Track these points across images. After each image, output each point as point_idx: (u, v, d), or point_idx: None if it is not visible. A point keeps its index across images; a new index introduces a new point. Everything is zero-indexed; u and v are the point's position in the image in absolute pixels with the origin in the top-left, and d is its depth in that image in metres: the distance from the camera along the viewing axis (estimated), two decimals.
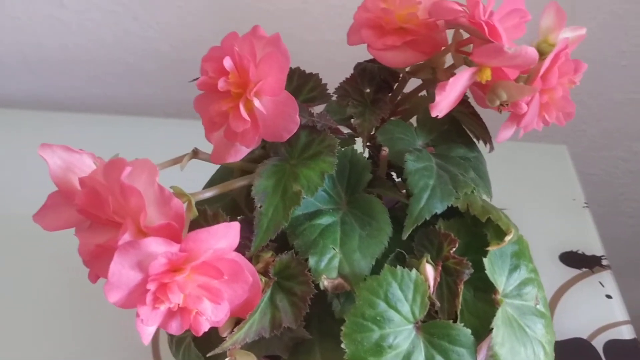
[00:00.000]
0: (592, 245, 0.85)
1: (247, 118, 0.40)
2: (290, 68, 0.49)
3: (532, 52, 0.40)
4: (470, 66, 0.42)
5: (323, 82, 0.49)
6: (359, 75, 0.50)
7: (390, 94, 0.50)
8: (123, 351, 0.69)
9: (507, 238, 0.42)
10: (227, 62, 0.40)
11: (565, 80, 0.45)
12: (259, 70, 0.40)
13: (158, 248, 0.35)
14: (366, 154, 0.48)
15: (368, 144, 0.48)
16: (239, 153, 0.42)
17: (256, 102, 0.40)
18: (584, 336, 0.73)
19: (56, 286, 0.76)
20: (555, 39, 0.46)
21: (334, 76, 0.51)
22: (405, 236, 0.41)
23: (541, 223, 0.88)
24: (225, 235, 0.36)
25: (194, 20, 1.08)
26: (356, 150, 0.46)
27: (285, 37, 1.14)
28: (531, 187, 0.94)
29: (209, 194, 0.42)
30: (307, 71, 0.49)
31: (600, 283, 0.79)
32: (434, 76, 0.46)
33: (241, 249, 0.40)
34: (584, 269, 0.81)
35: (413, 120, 0.51)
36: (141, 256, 0.35)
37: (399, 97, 0.51)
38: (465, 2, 0.44)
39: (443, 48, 0.46)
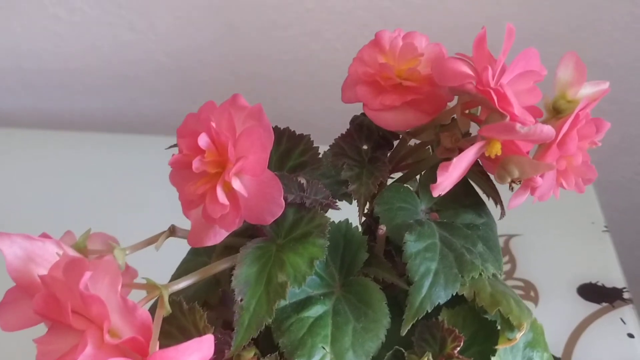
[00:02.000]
0: (613, 275, 0.80)
1: (226, 202, 0.36)
2: (279, 129, 0.45)
3: (548, 130, 0.35)
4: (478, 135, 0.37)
5: (315, 144, 0.44)
6: (355, 131, 0.46)
7: (390, 151, 0.46)
8: None
9: (519, 335, 0.38)
10: (203, 140, 0.36)
11: (586, 144, 0.40)
12: (239, 147, 0.36)
13: None
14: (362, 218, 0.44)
15: (366, 211, 0.44)
16: (219, 236, 0.38)
17: (235, 184, 0.36)
18: None
19: None
20: (574, 95, 0.41)
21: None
22: (404, 332, 0.37)
23: (557, 251, 0.83)
24: (197, 350, 0.31)
25: (193, 29, 1.05)
26: (351, 224, 0.42)
27: (288, 46, 1.10)
28: (545, 209, 0.88)
29: (184, 283, 0.37)
30: (300, 128, 0.45)
31: (622, 320, 0.74)
32: (438, 139, 0.41)
33: (220, 345, 0.36)
34: (604, 304, 0.76)
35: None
36: None
37: (401, 154, 0.46)
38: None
39: (448, 108, 0.41)
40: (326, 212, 0.42)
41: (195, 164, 0.36)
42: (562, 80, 0.41)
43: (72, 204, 0.88)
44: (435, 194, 0.37)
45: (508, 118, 0.35)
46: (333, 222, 0.41)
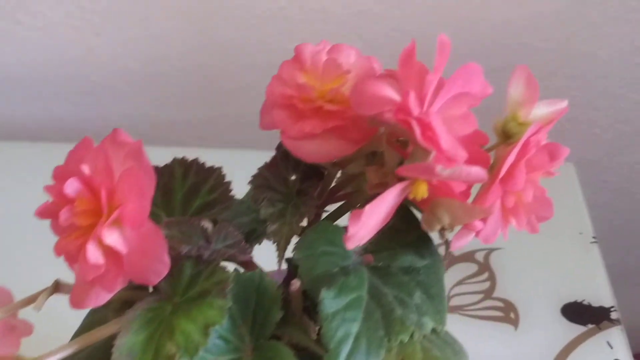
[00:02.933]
0: (600, 293, 0.74)
1: (99, 261, 0.30)
2: (187, 160, 0.39)
3: (477, 173, 0.29)
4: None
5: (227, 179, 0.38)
6: (281, 159, 0.39)
7: (320, 183, 0.40)
8: None
9: None
10: (71, 187, 0.30)
11: (538, 175, 0.34)
12: (118, 192, 0.30)
13: None
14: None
15: (288, 256, 0.37)
16: (101, 297, 0.32)
17: (110, 239, 0.30)
18: None
19: None
20: (526, 116, 0.35)
21: None
22: None
23: (541, 265, 0.77)
24: None
25: (162, 32, 0.99)
26: (265, 274, 0.36)
27: (263, 46, 1.04)
28: None
29: (62, 354, 0.32)
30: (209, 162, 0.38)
31: (609, 344, 0.68)
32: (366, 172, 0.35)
33: None
34: (590, 326, 0.70)
35: None
36: None
37: (335, 183, 0.40)
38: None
39: (379, 134, 0.35)
40: (247, 254, 0.36)
41: (63, 216, 0.30)
42: (513, 99, 0.35)
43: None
44: (350, 247, 0.31)
45: (433, 154, 0.29)
46: (244, 272, 0.35)
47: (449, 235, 0.32)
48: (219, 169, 0.38)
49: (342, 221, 0.42)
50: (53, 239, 0.32)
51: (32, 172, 0.93)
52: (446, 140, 0.29)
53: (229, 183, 0.38)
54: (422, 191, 0.30)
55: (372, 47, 1.01)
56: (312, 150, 0.35)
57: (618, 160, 1.13)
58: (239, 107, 1.09)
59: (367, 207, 0.30)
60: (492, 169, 0.34)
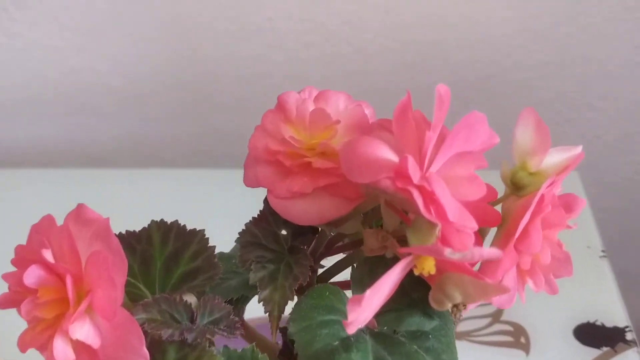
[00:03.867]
0: (613, 311, 0.71)
1: (69, 357, 0.27)
2: (166, 223, 0.35)
3: (489, 253, 0.25)
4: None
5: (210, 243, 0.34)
6: (270, 212, 0.36)
7: (314, 237, 0.36)
8: None
9: None
10: (33, 276, 0.26)
11: (556, 232, 0.31)
12: (85, 279, 0.27)
13: None
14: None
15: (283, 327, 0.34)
16: None
17: (79, 333, 0.26)
18: None
19: None
20: (537, 165, 0.31)
21: None
22: None
23: None
24: None
25: (146, 48, 0.96)
26: (257, 352, 0.32)
27: (252, 59, 1.01)
28: None
29: None
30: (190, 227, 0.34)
31: None
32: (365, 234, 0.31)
33: None
34: (605, 348, 0.67)
35: None
36: None
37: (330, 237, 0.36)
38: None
39: (371, 195, 0.31)
40: (236, 331, 0.32)
41: (25, 308, 0.27)
42: (521, 145, 0.32)
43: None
44: (350, 331, 0.27)
45: (439, 227, 0.26)
46: (234, 351, 0.31)
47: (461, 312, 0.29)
48: (201, 232, 0.35)
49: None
50: None
51: (16, 201, 0.90)
52: (453, 211, 0.25)
53: (212, 248, 0.34)
54: (429, 267, 0.26)
55: (363, 54, 0.98)
56: (302, 211, 0.32)
57: (622, 160, 1.10)
58: (229, 121, 1.06)
59: (368, 292, 0.26)
60: (503, 227, 0.31)
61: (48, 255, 0.27)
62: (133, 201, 0.88)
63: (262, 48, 0.97)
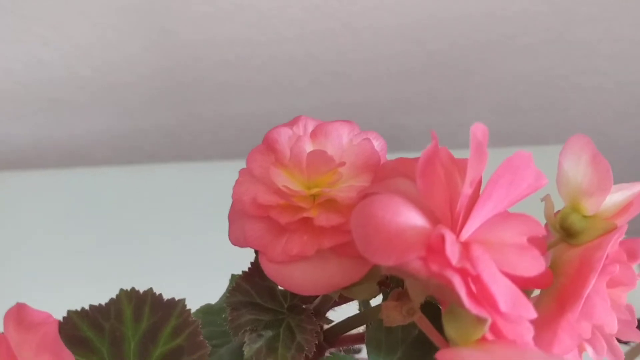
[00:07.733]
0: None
1: None
2: (139, 293, 0.29)
3: None
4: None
5: (192, 314, 0.28)
6: None
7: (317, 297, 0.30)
8: None
9: None
10: None
11: (624, 293, 0.25)
12: None
13: None
14: None
15: None
16: None
17: None
18: None
19: None
20: (595, 208, 0.25)
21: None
22: None
23: None
24: None
25: (116, 35, 0.89)
26: None
27: (231, 42, 0.93)
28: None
29: None
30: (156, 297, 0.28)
31: None
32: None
33: None
34: (632, 344, 0.62)
35: None
36: None
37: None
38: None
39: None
40: None
41: None
42: (573, 182, 0.25)
43: None
44: None
45: (489, 322, 0.20)
46: None
47: None
48: (181, 302, 0.28)
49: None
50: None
51: None
52: (505, 298, 0.19)
53: (196, 323, 0.28)
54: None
55: (352, 29, 0.92)
56: (303, 279, 0.26)
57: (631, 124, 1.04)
58: (213, 107, 1.00)
59: None
60: (555, 285, 0.25)
61: None
62: (113, 200, 0.82)
63: (243, 29, 0.91)
